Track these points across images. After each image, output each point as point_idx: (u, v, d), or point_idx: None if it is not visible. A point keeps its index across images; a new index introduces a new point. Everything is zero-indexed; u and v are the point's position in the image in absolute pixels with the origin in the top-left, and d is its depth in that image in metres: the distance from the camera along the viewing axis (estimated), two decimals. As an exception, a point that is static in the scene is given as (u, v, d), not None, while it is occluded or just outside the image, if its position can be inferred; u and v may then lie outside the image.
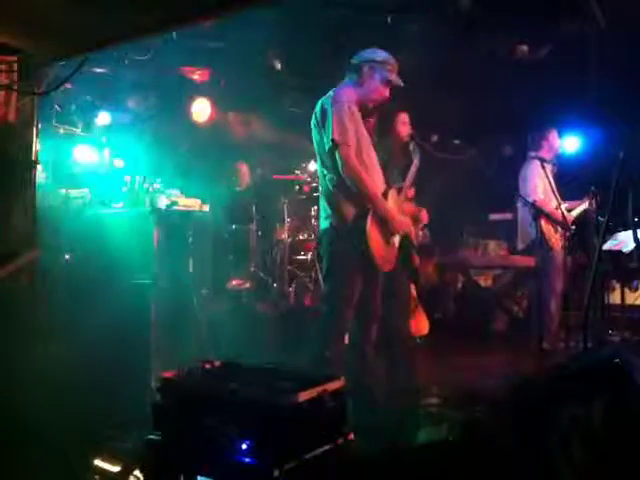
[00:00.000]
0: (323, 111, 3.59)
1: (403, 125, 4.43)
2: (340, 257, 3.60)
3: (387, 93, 3.77)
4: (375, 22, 5.26)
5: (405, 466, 2.43)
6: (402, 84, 3.76)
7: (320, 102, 3.67)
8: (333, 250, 3.62)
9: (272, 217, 6.49)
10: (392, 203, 3.76)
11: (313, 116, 3.69)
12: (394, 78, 3.73)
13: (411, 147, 4.20)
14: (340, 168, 3.51)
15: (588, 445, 1.99)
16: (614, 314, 5.59)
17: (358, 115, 3.68)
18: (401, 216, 3.79)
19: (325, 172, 3.64)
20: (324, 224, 3.67)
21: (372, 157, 3.73)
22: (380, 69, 3.71)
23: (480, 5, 5.41)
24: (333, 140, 3.48)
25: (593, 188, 5.26)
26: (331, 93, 3.69)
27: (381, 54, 3.77)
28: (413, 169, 4.09)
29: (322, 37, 5.08)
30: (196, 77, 6.08)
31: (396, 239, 3.79)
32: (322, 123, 3.58)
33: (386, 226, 3.64)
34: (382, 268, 3.66)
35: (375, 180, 3.68)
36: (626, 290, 5.82)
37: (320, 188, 3.78)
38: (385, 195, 3.72)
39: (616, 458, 1.94)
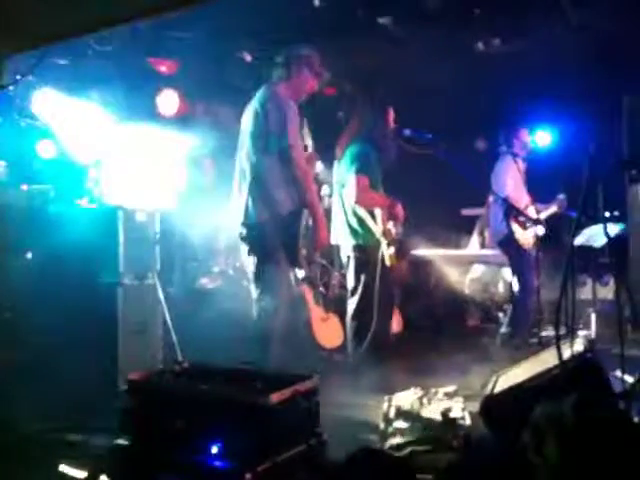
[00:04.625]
0: (273, 108, 3.75)
1: (391, 118, 4.45)
2: (275, 250, 3.75)
3: (316, 85, 3.99)
4: (347, 16, 5.24)
5: (378, 466, 2.40)
6: (329, 76, 4.04)
7: (262, 97, 3.84)
8: (268, 243, 3.75)
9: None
10: None
11: (253, 106, 3.84)
12: (321, 70, 3.97)
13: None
14: (293, 166, 3.72)
15: (561, 441, 1.98)
16: (585, 308, 5.65)
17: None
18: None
19: (259, 157, 3.77)
20: (257, 216, 3.75)
21: (305, 157, 3.95)
22: (308, 62, 3.94)
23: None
24: (291, 145, 3.70)
25: (562, 195, 5.33)
26: (268, 91, 3.86)
27: (305, 49, 3.99)
28: None
29: (293, 29, 5.06)
30: (163, 69, 5.99)
31: None
32: (269, 118, 3.74)
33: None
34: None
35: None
36: (597, 285, 5.89)
37: (247, 175, 3.83)
38: None
39: (586, 452, 1.94)
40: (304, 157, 3.85)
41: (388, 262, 4.35)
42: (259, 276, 3.80)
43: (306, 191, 3.79)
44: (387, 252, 4.34)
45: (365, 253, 4.44)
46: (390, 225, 4.39)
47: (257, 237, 3.76)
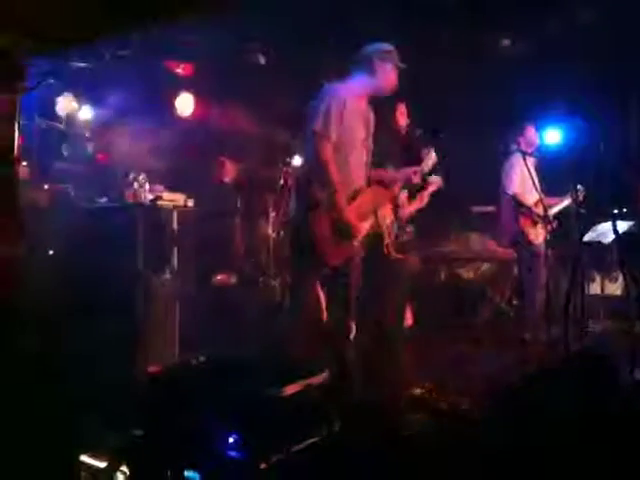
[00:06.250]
0: (320, 100, 3.63)
1: (401, 115, 4.47)
2: (296, 248, 3.69)
3: (396, 80, 3.88)
4: (360, 16, 5.26)
5: (391, 456, 2.47)
6: (404, 66, 3.88)
7: (323, 90, 3.71)
8: (292, 240, 3.73)
9: (257, 212, 6.49)
10: (368, 201, 3.74)
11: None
12: (400, 64, 3.87)
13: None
14: (312, 157, 3.55)
15: (567, 434, 2.04)
16: (594, 304, 5.66)
17: (357, 110, 3.71)
18: (362, 222, 3.72)
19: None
20: (291, 210, 3.73)
21: (357, 156, 3.72)
22: (389, 58, 3.85)
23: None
24: (314, 131, 3.52)
25: (577, 186, 5.27)
26: (338, 84, 3.74)
27: (386, 45, 3.91)
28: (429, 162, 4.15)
29: (307, 32, 5.11)
30: (180, 71, 6.07)
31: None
32: (313, 111, 3.61)
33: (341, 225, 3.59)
34: (326, 262, 3.65)
35: (352, 177, 3.68)
36: (606, 281, 5.89)
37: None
38: (357, 193, 3.70)
39: (593, 446, 1.99)
40: (330, 150, 3.55)
41: (385, 251, 4.39)
42: (292, 270, 3.83)
43: (323, 187, 3.54)
44: (386, 241, 4.40)
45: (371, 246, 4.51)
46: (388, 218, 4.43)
47: (291, 232, 3.80)
